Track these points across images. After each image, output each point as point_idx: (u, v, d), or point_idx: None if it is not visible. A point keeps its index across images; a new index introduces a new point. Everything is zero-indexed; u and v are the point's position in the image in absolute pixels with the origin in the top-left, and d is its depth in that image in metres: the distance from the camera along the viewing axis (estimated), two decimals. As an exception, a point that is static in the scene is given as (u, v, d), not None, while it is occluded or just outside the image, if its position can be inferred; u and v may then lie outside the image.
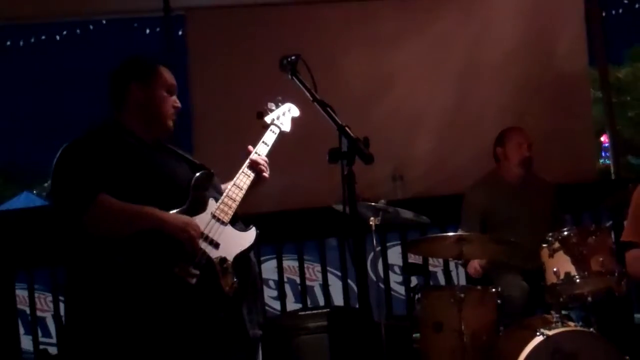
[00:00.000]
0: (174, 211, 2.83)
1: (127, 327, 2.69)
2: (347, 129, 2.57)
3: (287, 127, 3.42)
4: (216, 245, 2.87)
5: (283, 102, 3.45)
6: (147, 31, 8.75)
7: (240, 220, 3.03)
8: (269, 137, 3.31)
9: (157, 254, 2.74)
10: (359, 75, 6.02)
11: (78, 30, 9.13)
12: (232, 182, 3.07)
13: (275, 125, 3.36)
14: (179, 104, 3.09)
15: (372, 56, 6.09)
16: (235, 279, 2.84)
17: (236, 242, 2.95)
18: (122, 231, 2.75)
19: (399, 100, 6.12)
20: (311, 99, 2.78)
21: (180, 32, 6.25)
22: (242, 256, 2.93)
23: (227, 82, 5.84)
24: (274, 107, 3.42)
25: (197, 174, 2.99)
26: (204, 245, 2.83)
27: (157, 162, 2.97)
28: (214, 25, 5.99)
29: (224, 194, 3.01)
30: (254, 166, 3.15)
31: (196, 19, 6.04)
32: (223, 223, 2.94)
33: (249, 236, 3.01)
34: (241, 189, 3.06)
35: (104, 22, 7.56)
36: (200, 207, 2.93)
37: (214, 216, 2.93)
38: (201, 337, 2.77)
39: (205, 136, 5.85)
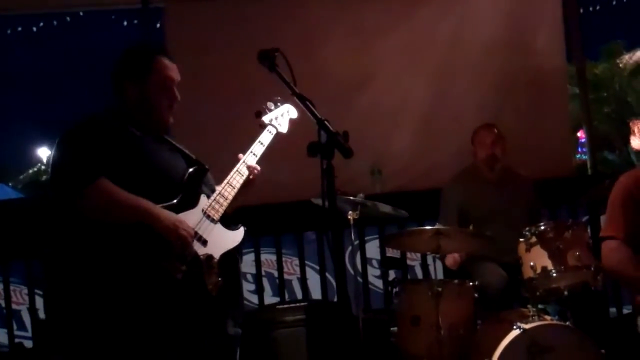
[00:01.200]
0: (164, 205, 2.83)
1: (109, 318, 2.68)
2: (326, 122, 2.57)
3: (284, 128, 3.42)
4: (204, 243, 2.89)
5: (282, 103, 3.44)
6: (125, 23, 8.68)
7: (229, 218, 3.04)
8: (266, 137, 3.31)
9: (147, 245, 2.74)
10: (338, 69, 6.00)
11: (55, 22, 9.04)
12: (225, 181, 3.09)
13: (273, 125, 3.36)
14: (177, 96, 3.10)
15: (351, 50, 6.08)
16: (219, 278, 2.84)
17: (224, 240, 2.96)
18: (115, 219, 2.75)
19: (379, 94, 6.12)
20: (290, 92, 2.77)
21: (158, 25, 6.21)
22: (228, 254, 2.95)
23: (206, 75, 5.80)
24: (272, 107, 3.42)
25: (192, 169, 3.00)
26: (192, 242, 2.84)
27: (155, 154, 2.98)
28: (192, 18, 5.95)
29: (217, 192, 3.03)
30: (250, 170, 3.18)
31: (175, 12, 5.99)
32: (213, 221, 2.95)
33: (237, 235, 3.04)
34: (234, 188, 3.08)
35: (81, 14, 7.50)
36: (192, 203, 2.94)
37: (204, 213, 2.94)
38: (181, 331, 2.77)
39: (182, 129, 5.80)
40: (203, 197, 2.99)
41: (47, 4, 6.27)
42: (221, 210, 3.00)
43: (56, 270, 2.81)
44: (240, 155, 3.21)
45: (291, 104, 3.43)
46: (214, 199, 3.01)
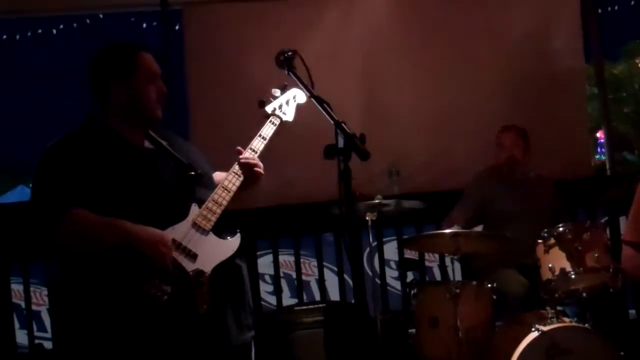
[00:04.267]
0: (150, 222, 2.70)
1: (97, 354, 2.62)
2: (343, 125, 2.57)
3: (290, 116, 3.19)
4: (193, 257, 2.73)
5: (289, 88, 3.20)
6: (144, 25, 8.72)
7: (228, 222, 2.89)
8: (268, 129, 3.09)
9: (127, 270, 2.63)
10: (355, 71, 6.01)
11: (75, 24, 9.11)
12: (220, 184, 2.91)
13: (277, 115, 3.14)
14: (164, 89, 2.94)
15: (368, 52, 6.08)
16: (209, 296, 2.69)
17: (216, 251, 2.79)
18: (94, 246, 2.66)
19: (396, 95, 6.11)
20: (308, 94, 2.77)
21: (177, 27, 6.23)
22: (227, 263, 2.80)
23: (224, 77, 5.83)
24: (278, 94, 3.20)
25: (181, 178, 2.84)
26: (179, 257, 2.70)
27: (139, 168, 2.82)
28: (211, 20, 5.98)
29: (209, 198, 2.85)
30: (245, 167, 2.97)
31: (193, 14, 6.02)
32: (204, 232, 2.78)
33: (232, 244, 2.85)
34: (229, 191, 2.88)
35: (101, 16, 7.55)
36: (181, 215, 2.79)
37: (194, 224, 2.78)
38: (176, 354, 2.66)
39: (202, 131, 5.84)
40: (194, 207, 2.81)
41: (66, 6, 6.30)
42: (214, 219, 2.81)
43: (53, 301, 2.79)
44: (239, 148, 3.02)
45: (298, 89, 3.15)
46: (205, 207, 2.82)
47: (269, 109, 3.16)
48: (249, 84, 5.62)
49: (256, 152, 3.03)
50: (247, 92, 5.70)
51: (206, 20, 5.98)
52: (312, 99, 2.75)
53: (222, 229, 2.86)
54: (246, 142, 3.07)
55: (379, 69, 6.06)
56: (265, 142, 3.07)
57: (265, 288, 5.80)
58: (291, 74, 2.86)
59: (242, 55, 5.80)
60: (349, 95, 5.65)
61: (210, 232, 2.80)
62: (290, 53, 2.88)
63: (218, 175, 3.08)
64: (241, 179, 2.95)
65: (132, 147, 2.86)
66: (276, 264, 5.67)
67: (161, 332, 2.63)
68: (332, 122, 2.61)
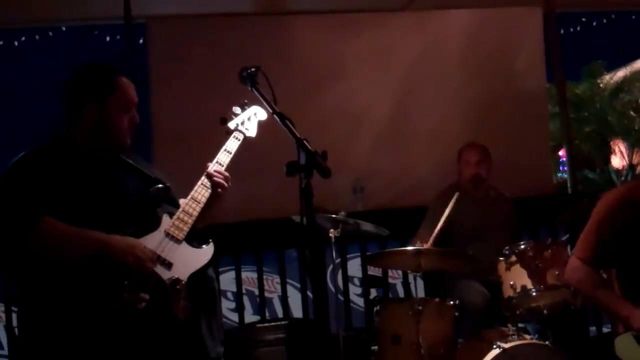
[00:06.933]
0: (126, 231, 2.70)
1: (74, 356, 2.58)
2: (305, 142, 2.55)
3: (252, 132, 3.23)
4: (168, 266, 2.74)
5: (249, 106, 3.25)
6: (108, 39, 8.64)
7: (199, 234, 2.91)
8: (232, 144, 3.13)
9: (105, 279, 2.61)
10: (320, 87, 6.03)
11: (37, 37, 9.00)
12: (189, 196, 2.92)
13: (240, 131, 3.18)
14: (136, 119, 2.95)
15: (333, 69, 6.11)
16: (188, 302, 2.70)
17: (191, 260, 2.81)
18: (66, 256, 2.63)
19: (362, 113, 6.15)
20: (270, 111, 2.76)
21: (141, 41, 6.20)
22: (199, 273, 2.81)
23: (188, 91, 5.81)
24: (239, 111, 3.25)
25: (150, 190, 2.86)
26: (155, 266, 2.70)
27: (108, 180, 2.82)
28: (175, 34, 5.96)
29: (180, 209, 2.88)
30: (211, 178, 2.99)
31: (158, 28, 6.00)
32: (177, 241, 2.80)
33: (206, 253, 2.87)
34: (199, 203, 2.91)
35: (64, 28, 7.47)
36: (152, 225, 2.80)
37: (167, 234, 2.79)
38: None
39: (165, 146, 5.81)
40: (165, 217, 2.83)
41: (29, 19, 6.24)
42: (186, 229, 2.83)
43: (21, 314, 2.72)
44: (209, 164, 3.05)
45: (259, 106, 3.23)
46: (177, 217, 2.83)
47: (231, 125, 3.20)
48: (213, 99, 5.60)
49: (222, 166, 3.06)
50: (211, 107, 5.69)
51: (170, 35, 5.96)
52: (275, 116, 2.73)
53: (192, 239, 2.87)
54: (210, 158, 3.10)
55: (343, 86, 6.08)
56: (230, 156, 3.10)
57: (227, 305, 5.73)
58: (254, 90, 2.84)
59: (206, 70, 5.79)
60: (312, 112, 5.66)
61: (184, 242, 2.82)
62: (253, 69, 2.86)
63: (182, 202, 3.06)
64: (210, 191, 2.97)
65: (100, 160, 2.86)
66: (238, 280, 5.61)
67: (140, 340, 2.61)
68: (294, 139, 2.60)
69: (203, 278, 2.85)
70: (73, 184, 2.72)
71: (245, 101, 3.24)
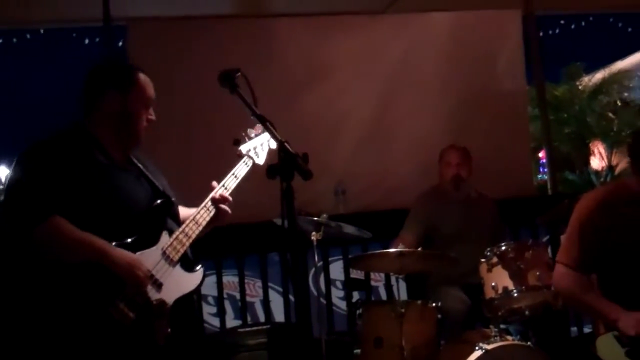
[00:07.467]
0: (120, 243, 2.67)
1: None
2: (286, 144, 2.54)
3: (261, 159, 3.24)
4: (159, 286, 2.71)
5: (263, 132, 3.22)
6: (87, 41, 8.59)
7: (190, 254, 2.88)
8: (241, 169, 3.14)
9: (96, 289, 2.58)
10: (302, 89, 6.02)
11: (14, 39, 8.93)
12: (191, 217, 2.91)
13: (250, 157, 3.18)
14: (153, 117, 2.96)
15: (314, 72, 6.11)
16: (168, 327, 2.67)
17: (180, 284, 2.79)
18: (68, 258, 2.60)
19: (344, 115, 6.15)
20: (251, 114, 2.74)
21: (120, 43, 6.15)
22: (185, 298, 2.79)
23: (168, 93, 5.76)
24: (253, 135, 3.23)
25: (155, 203, 2.83)
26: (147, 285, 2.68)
27: (119, 185, 2.80)
28: (155, 36, 5.92)
29: (180, 229, 2.85)
30: (217, 203, 3.00)
31: (137, 30, 5.95)
32: (172, 262, 2.78)
33: (195, 279, 2.86)
34: (199, 226, 2.90)
35: (42, 31, 7.40)
36: (152, 240, 2.77)
37: (164, 253, 2.77)
38: None
39: (143, 148, 5.75)
40: (164, 235, 2.81)
41: (6, 21, 6.18)
42: (182, 250, 2.81)
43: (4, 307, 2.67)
44: (215, 183, 3.05)
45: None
46: (176, 237, 2.82)
47: (243, 148, 3.20)
48: (194, 101, 5.58)
49: (228, 190, 3.07)
50: (191, 109, 5.69)
51: (150, 37, 5.91)
52: (255, 118, 2.72)
53: (184, 261, 2.85)
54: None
55: (324, 89, 6.07)
56: (237, 181, 3.11)
57: (209, 310, 5.69)
58: (235, 93, 2.82)
59: (186, 72, 5.75)
60: (293, 114, 5.65)
61: (177, 264, 2.80)
62: (233, 72, 2.84)
63: (183, 213, 3.05)
64: (212, 214, 2.97)
65: (115, 163, 2.85)
66: (220, 284, 5.58)
67: (117, 357, 2.59)
68: (275, 141, 2.58)
69: (187, 302, 2.82)
70: (86, 183, 2.70)
71: (260, 126, 3.15)
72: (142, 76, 2.93)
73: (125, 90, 2.86)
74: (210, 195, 3.01)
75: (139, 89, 2.90)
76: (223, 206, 3.02)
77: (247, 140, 3.22)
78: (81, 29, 8.69)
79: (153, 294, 2.68)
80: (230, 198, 3.06)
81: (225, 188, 3.06)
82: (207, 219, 2.95)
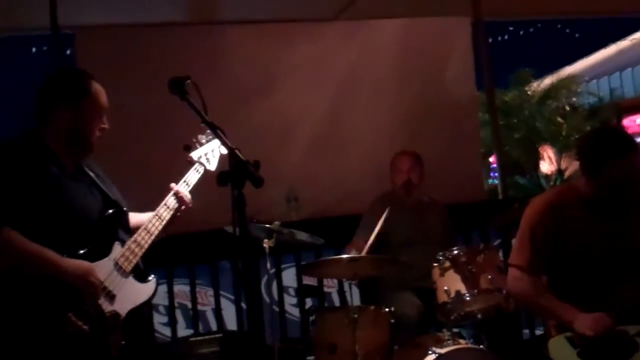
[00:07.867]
0: (72, 256, 2.64)
1: None
2: (237, 151, 2.53)
3: (213, 165, 3.22)
4: (112, 298, 2.69)
5: (214, 138, 3.19)
6: (34, 50, 8.47)
7: (141, 264, 2.86)
8: (192, 177, 3.13)
9: (50, 301, 2.55)
10: (252, 96, 6.00)
11: (-40, 48, 8.75)
12: (142, 227, 2.89)
13: (201, 163, 3.17)
14: (106, 125, 2.93)
15: (266, 78, 6.09)
16: (121, 339, 2.65)
17: (133, 295, 2.77)
18: (18, 270, 2.57)
19: (295, 122, 6.14)
20: (201, 121, 2.72)
21: (68, 52, 6.06)
22: (136, 310, 2.77)
23: (117, 101, 5.68)
24: (203, 141, 3.22)
25: (107, 213, 2.81)
26: (100, 297, 2.65)
27: (72, 196, 2.77)
28: (103, 44, 5.83)
29: (131, 239, 2.83)
30: (178, 194, 2.99)
31: (85, 38, 5.86)
32: (124, 273, 2.76)
33: (147, 289, 2.85)
34: (151, 235, 2.88)
35: (-14, 39, 7.26)
36: (104, 251, 2.75)
37: (116, 264, 2.75)
38: None
39: (92, 158, 5.66)
40: (116, 245, 2.79)
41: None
42: (135, 261, 2.79)
43: None
44: (173, 185, 3.03)
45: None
46: (127, 247, 2.80)
47: (194, 155, 3.19)
48: (143, 110, 5.52)
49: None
50: (141, 117, 5.62)
51: (98, 45, 5.82)
52: (205, 125, 2.70)
53: (136, 272, 2.83)
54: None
55: (275, 96, 6.06)
56: (189, 188, 3.10)
57: (159, 319, 5.62)
58: (185, 101, 2.80)
59: (135, 80, 5.68)
60: (244, 121, 5.62)
61: (130, 275, 2.78)
62: (183, 79, 2.82)
63: (132, 216, 3.03)
64: (164, 222, 2.95)
65: (66, 173, 2.82)
66: (170, 294, 5.51)
67: None
68: (226, 148, 2.57)
69: (139, 313, 2.80)
70: (38, 193, 2.66)
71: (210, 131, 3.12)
72: (94, 85, 2.91)
73: (78, 100, 2.84)
74: (163, 204, 2.99)
75: (92, 98, 2.88)
76: (184, 194, 3.01)
77: (197, 146, 3.21)
78: (28, 38, 8.57)
79: (106, 306, 2.66)
80: (190, 204, 3.05)
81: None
82: (160, 227, 2.93)
